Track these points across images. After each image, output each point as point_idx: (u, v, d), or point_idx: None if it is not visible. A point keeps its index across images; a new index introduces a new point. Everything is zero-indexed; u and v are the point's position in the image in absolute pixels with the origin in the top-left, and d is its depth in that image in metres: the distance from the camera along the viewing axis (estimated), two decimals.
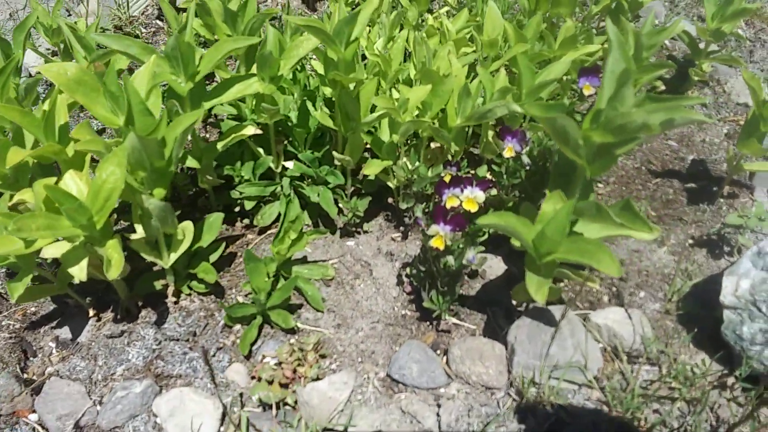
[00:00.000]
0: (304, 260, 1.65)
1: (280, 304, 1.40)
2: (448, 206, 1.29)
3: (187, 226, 1.35)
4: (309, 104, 1.62)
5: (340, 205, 1.66)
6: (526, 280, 1.15)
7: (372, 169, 1.55)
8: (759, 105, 1.48)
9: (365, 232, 1.73)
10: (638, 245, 1.61)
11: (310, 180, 1.72)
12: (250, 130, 1.57)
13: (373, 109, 1.55)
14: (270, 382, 1.24)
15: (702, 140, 1.99)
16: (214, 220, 1.48)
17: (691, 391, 1.24)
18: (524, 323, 1.34)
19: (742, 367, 1.21)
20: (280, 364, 1.27)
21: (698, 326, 1.38)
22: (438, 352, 1.40)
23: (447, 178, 1.34)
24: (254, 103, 1.69)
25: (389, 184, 1.68)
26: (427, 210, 1.44)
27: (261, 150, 1.71)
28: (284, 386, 1.25)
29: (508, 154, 1.44)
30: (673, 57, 2.36)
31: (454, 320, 1.47)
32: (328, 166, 1.72)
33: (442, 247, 1.20)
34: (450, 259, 1.30)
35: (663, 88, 2.12)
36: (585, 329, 1.36)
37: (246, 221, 1.76)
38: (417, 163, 1.54)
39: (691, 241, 1.62)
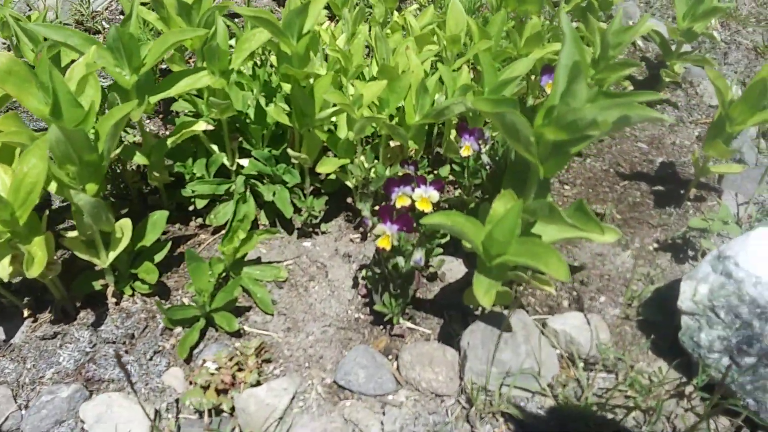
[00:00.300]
0: (258, 261, 1.59)
1: (224, 307, 1.34)
2: (398, 205, 1.23)
3: (125, 224, 1.29)
4: (262, 100, 1.56)
5: (298, 204, 1.61)
6: (474, 282, 1.10)
7: (326, 167, 1.49)
8: (725, 105, 1.44)
9: (323, 232, 1.67)
10: (602, 249, 1.57)
11: (268, 179, 1.67)
12: (202, 125, 1.52)
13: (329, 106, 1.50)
14: (205, 388, 1.18)
15: (672, 143, 1.95)
16: (158, 219, 1.42)
17: (647, 400, 1.19)
18: (478, 328, 1.29)
19: (699, 375, 1.17)
20: (219, 369, 1.21)
21: (658, 333, 1.33)
22: (390, 357, 1.34)
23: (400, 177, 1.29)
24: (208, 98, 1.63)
25: (348, 183, 1.63)
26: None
27: (215, 147, 1.65)
28: (222, 392, 1.19)
29: (465, 153, 1.39)
30: (646, 58, 2.33)
31: (409, 324, 1.42)
32: (286, 164, 1.66)
33: (388, 248, 1.15)
34: (400, 261, 1.25)
35: (632, 88, 2.08)
36: (541, 335, 1.31)
37: (200, 220, 1.70)
38: (374, 162, 1.49)
39: (655, 245, 1.57)
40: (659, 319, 1.34)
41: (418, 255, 1.20)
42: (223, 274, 1.48)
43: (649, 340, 1.31)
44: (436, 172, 1.70)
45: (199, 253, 1.61)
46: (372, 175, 1.52)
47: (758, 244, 1.15)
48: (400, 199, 1.23)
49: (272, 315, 1.44)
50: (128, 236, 1.28)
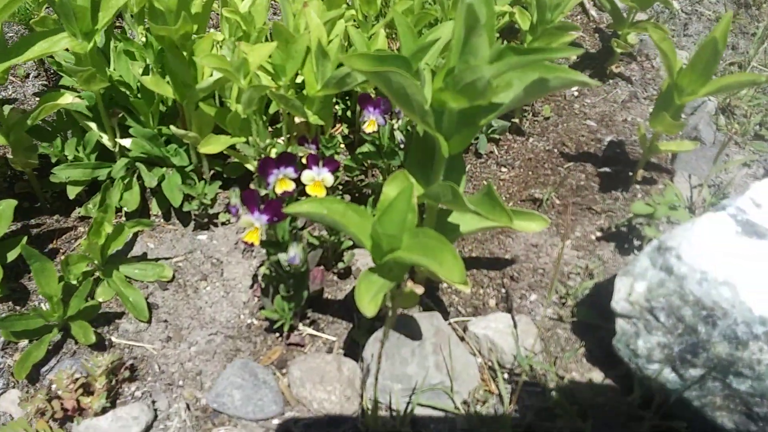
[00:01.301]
0: (143, 258, 1.37)
1: (81, 315, 1.12)
2: (278, 191, 1.02)
3: None
4: (130, 65, 1.32)
5: (188, 191, 1.38)
6: (358, 283, 0.89)
7: (211, 146, 1.27)
8: (672, 73, 1.25)
9: (223, 224, 1.45)
10: (537, 239, 1.37)
11: (160, 162, 1.44)
12: (68, 98, 1.28)
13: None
14: (42, 414, 0.96)
15: (624, 120, 1.76)
16: (4, 210, 1.18)
17: (575, 420, 1.00)
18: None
19: (635, 390, 0.98)
20: (60, 392, 0.99)
21: (594, 337, 1.14)
22: (284, 371, 1.13)
23: (296, 158, 1.07)
24: None
25: (248, 166, 1.41)
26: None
27: (93, 125, 1.42)
28: (61, 421, 0.97)
29: (369, 128, 1.18)
30: (600, 30, 2.14)
31: (311, 330, 1.21)
32: (179, 145, 1.43)
33: (257, 242, 0.93)
34: (282, 257, 1.03)
35: (577, 60, 1.89)
36: (460, 341, 1.11)
37: (82, 211, 1.46)
38: (274, 140, 1.27)
39: (598, 234, 1.38)
40: (596, 322, 1.15)
41: (293, 252, 0.98)
42: (92, 275, 1.26)
43: (583, 346, 1.12)
44: (353, 154, 1.48)
45: (73, 250, 1.38)
46: (273, 155, 1.30)
47: (704, 232, 0.96)
48: (281, 183, 1.01)
49: (148, 323, 1.22)
50: None
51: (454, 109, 0.91)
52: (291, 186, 1.02)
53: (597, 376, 1.08)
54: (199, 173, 1.47)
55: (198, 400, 1.08)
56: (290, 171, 1.01)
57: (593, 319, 1.15)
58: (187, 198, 1.39)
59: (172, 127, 1.31)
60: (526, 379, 1.07)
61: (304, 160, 1.11)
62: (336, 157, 1.35)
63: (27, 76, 1.85)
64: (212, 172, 1.48)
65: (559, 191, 1.50)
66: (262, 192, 1.18)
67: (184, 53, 1.23)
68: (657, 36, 1.23)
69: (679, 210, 1.22)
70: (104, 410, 0.98)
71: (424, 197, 0.99)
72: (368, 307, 0.85)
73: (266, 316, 1.14)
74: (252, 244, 0.93)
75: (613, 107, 1.82)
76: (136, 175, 1.43)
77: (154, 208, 1.47)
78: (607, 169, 1.56)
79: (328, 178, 1.07)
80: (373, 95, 1.30)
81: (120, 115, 1.43)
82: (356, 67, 0.82)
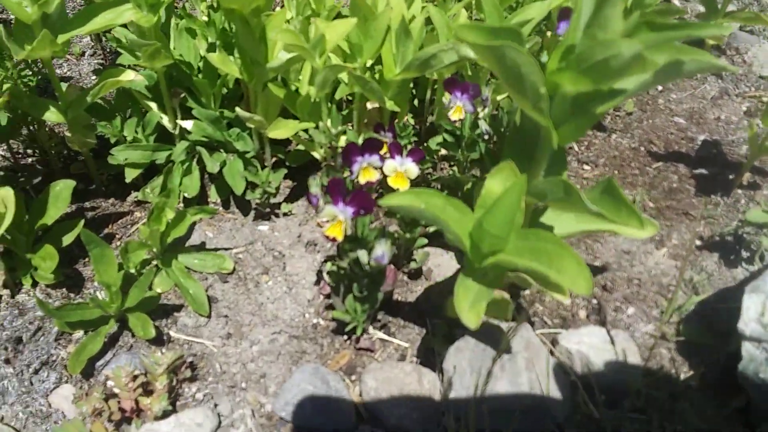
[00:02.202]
0: (202, 247, 1.28)
1: (139, 306, 1.04)
2: (362, 181, 0.92)
3: (6, 195, 0.98)
4: (193, 43, 1.23)
5: (252, 179, 1.29)
6: (456, 290, 0.78)
7: (280, 131, 1.17)
8: None
9: (285, 214, 1.36)
10: (630, 245, 1.24)
11: (221, 147, 1.35)
12: (129, 75, 1.20)
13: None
14: (98, 415, 0.88)
15: (716, 118, 1.61)
16: (61, 190, 1.11)
17: None
18: (467, 346, 0.97)
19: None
20: (118, 390, 0.91)
21: (705, 360, 1.02)
22: (354, 378, 1.04)
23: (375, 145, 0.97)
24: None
25: (315, 154, 1.31)
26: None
27: (153, 105, 1.34)
28: (117, 423, 0.89)
29: (455, 116, 1.07)
30: (685, 20, 1.98)
31: (381, 335, 1.11)
32: (242, 129, 1.35)
33: (340, 237, 0.83)
34: (362, 255, 0.93)
35: None
36: (549, 356, 1.00)
37: (140, 195, 1.39)
38: (345, 126, 1.17)
39: (698, 243, 1.25)
40: (707, 342, 1.02)
41: (380, 250, 0.88)
42: (151, 264, 1.18)
43: (693, 369, 0.99)
44: (425, 145, 1.37)
45: (130, 236, 1.31)
46: (342, 143, 1.20)
47: None
48: (365, 172, 0.91)
49: (207, 317, 1.13)
50: (11, 210, 0.98)
51: (569, 95, 0.79)
52: (375, 176, 0.92)
53: (712, 405, 0.95)
54: (261, 160, 1.38)
55: (263, 406, 0.99)
56: (376, 159, 0.91)
57: (703, 338, 1.02)
58: (250, 186, 1.30)
59: (237, 109, 1.22)
60: (630, 403, 0.95)
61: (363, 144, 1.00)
62: (409, 147, 1.25)
63: (83, 54, 1.79)
64: (274, 159, 1.40)
65: (651, 193, 1.37)
66: (309, 181, 1.08)
67: (254, 30, 1.14)
68: None
69: None
70: (165, 414, 0.90)
71: (526, 194, 0.87)
72: (470, 317, 0.74)
73: (336, 318, 1.04)
74: (335, 239, 0.83)
75: (702, 104, 1.67)
76: (195, 160, 1.35)
77: (213, 195, 1.38)
78: (702, 171, 1.42)
79: (413, 169, 0.96)
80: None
81: (182, 96, 1.34)
82: (468, 39, 0.71)
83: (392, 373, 0.96)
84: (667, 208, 1.33)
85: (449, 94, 1.08)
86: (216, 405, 0.98)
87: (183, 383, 0.99)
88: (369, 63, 1.34)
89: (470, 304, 0.77)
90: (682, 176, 1.42)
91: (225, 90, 1.39)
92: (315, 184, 0.88)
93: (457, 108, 1.08)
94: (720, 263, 1.20)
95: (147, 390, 0.93)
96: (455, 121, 1.09)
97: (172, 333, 1.10)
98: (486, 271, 0.83)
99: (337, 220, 0.84)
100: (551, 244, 0.74)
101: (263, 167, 1.38)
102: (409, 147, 1.24)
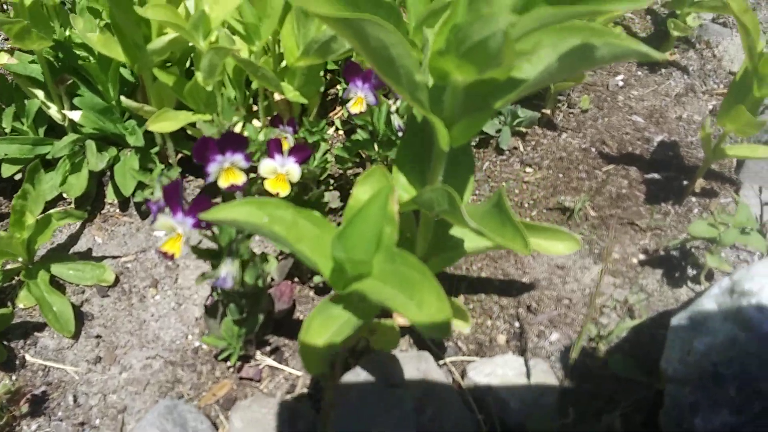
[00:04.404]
0: (86, 255, 1.14)
1: None
2: (224, 185, 0.77)
3: None
4: (84, 23, 1.09)
5: (139, 178, 1.15)
6: (307, 321, 0.63)
7: (163, 123, 1.03)
8: (753, 56, 0.96)
9: None
10: (565, 259, 1.10)
11: (118, 140, 1.21)
12: (2, 58, 1.06)
13: None
14: None
15: (678, 117, 1.47)
16: None
17: None
18: (356, 379, 0.83)
19: None
20: None
21: (632, 397, 0.88)
22: (230, 414, 0.89)
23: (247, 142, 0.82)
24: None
25: None
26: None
27: (40, 93, 1.19)
28: None
29: (355, 108, 0.93)
30: (652, 11, 1.83)
31: (270, 361, 0.97)
32: (140, 121, 1.20)
33: (177, 255, 0.69)
34: (228, 272, 0.79)
35: None
36: (452, 390, 0.86)
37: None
38: (235, 118, 1.03)
39: (642, 257, 1.11)
40: (636, 377, 0.88)
41: (224, 271, 0.74)
42: (18, 274, 1.04)
43: (618, 410, 0.85)
44: (344, 144, 1.23)
45: None
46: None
47: None
48: (228, 174, 0.77)
49: (73, 338, 0.99)
50: None
51: (460, 84, 0.64)
52: (241, 178, 0.77)
53: None
54: (166, 156, 1.23)
55: None
56: (239, 158, 0.76)
57: (632, 373, 0.88)
58: (142, 186, 1.16)
59: (123, 98, 1.08)
60: None
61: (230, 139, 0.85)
62: (323, 145, 1.11)
63: None
64: (180, 156, 1.25)
65: (596, 200, 1.23)
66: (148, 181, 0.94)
67: (130, 6, 0.99)
68: (737, 6, 0.94)
69: (753, 235, 0.94)
70: None
71: (412, 204, 0.73)
72: (312, 362, 0.60)
73: (207, 343, 0.90)
74: (172, 257, 0.69)
75: (664, 101, 1.53)
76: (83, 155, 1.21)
77: (110, 195, 1.24)
78: (655, 176, 1.28)
79: (294, 171, 0.82)
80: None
81: (69, 82, 1.19)
82: (316, 11, 0.56)
83: (261, 413, 0.82)
84: (611, 217, 1.19)
85: (348, 83, 0.93)
86: None
87: (21, 420, 0.85)
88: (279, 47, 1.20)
89: (325, 340, 0.63)
90: (633, 181, 1.28)
91: (131, 77, 1.25)
92: (159, 187, 0.73)
93: (358, 99, 0.93)
94: (662, 281, 1.05)
95: None
96: (355, 114, 0.94)
97: (27, 356, 0.96)
98: (346, 300, 0.68)
99: (175, 232, 0.69)
100: (416, 272, 0.59)
101: (168, 165, 1.24)
102: (322, 145, 1.10)
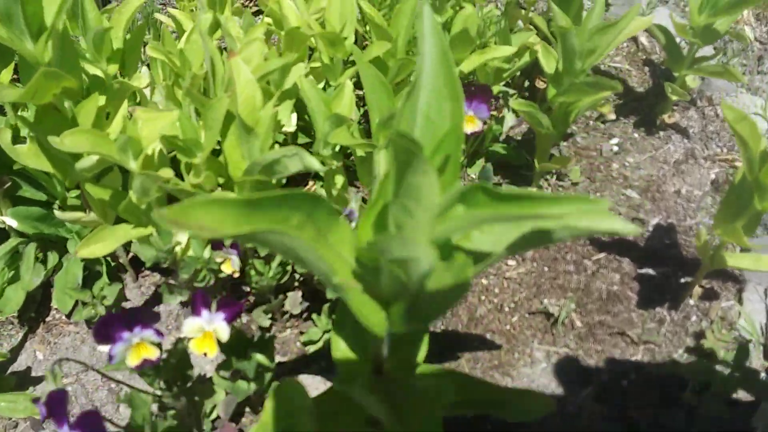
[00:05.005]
0: (26, 375, 1.05)
1: None
2: (134, 363, 0.67)
3: None
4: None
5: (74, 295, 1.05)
6: None
7: (92, 247, 0.93)
8: (753, 165, 0.85)
9: None
10: (545, 378, 0.99)
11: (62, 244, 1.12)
12: None
13: None
14: None
15: (676, 191, 1.35)
16: None
17: None
18: None
19: None
20: None
21: None
22: None
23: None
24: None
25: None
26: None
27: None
28: None
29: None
30: (651, 62, 1.72)
31: None
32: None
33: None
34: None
35: (613, 117, 1.48)
36: None
37: None
38: (175, 240, 0.93)
39: (633, 377, 0.99)
40: None
41: None
42: None
43: None
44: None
45: None
46: (186, 256, 0.96)
47: None
48: (139, 349, 0.67)
49: None
50: None
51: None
52: (154, 353, 0.67)
53: None
54: (115, 257, 1.14)
55: None
56: (150, 333, 0.66)
57: None
58: (82, 303, 1.06)
59: (56, 210, 0.98)
60: None
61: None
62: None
63: None
64: (132, 255, 1.16)
65: (583, 302, 1.11)
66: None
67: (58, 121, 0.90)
68: (732, 115, 0.83)
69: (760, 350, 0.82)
70: None
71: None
72: None
73: None
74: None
75: (662, 170, 1.41)
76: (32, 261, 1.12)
77: (55, 300, 1.15)
78: (649, 271, 1.16)
79: (223, 329, 0.72)
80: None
81: (7, 185, 1.10)
82: (197, 229, 0.46)
83: None
84: (599, 325, 1.07)
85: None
86: None
87: None
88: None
89: None
90: (625, 276, 1.16)
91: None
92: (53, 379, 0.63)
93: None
94: (659, 413, 0.94)
95: None
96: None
97: None
98: None
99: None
100: None
101: (119, 265, 1.15)
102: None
